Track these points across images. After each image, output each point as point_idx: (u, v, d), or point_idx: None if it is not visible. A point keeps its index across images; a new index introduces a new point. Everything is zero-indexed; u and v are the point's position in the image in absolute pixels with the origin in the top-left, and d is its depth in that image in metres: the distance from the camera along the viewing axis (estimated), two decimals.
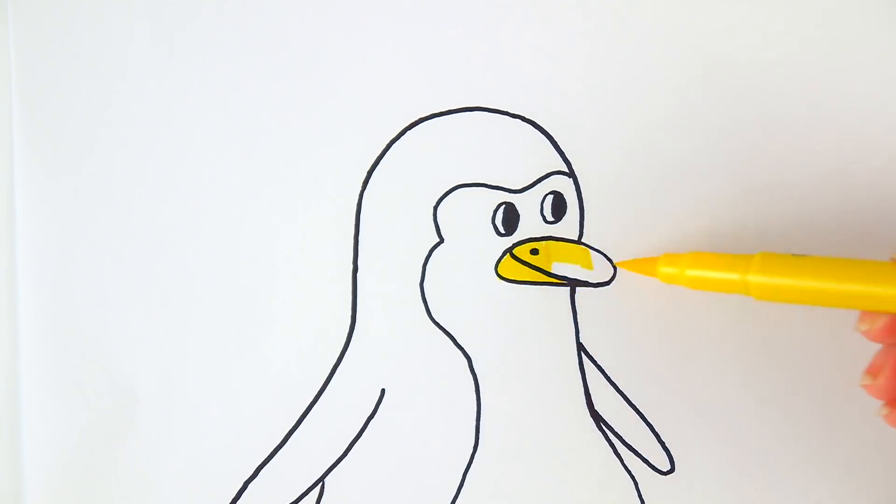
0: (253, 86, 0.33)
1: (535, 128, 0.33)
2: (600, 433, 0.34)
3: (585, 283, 0.33)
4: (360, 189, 0.33)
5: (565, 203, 0.33)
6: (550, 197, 0.33)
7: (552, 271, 0.33)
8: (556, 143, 0.33)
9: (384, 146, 0.33)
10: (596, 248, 0.33)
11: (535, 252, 0.33)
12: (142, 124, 0.33)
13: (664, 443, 0.34)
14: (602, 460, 0.34)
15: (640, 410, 0.34)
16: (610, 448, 0.34)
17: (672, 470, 0.34)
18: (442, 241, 0.33)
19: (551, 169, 0.33)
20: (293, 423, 0.33)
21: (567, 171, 0.33)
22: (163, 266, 0.33)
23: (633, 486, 0.34)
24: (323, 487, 0.33)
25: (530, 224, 0.33)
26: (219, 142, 0.33)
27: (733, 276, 0.30)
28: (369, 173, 0.33)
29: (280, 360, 0.33)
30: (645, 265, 0.33)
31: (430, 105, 0.33)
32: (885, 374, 0.29)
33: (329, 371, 0.33)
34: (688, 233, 0.34)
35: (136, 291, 0.33)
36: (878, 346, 0.30)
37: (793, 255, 0.29)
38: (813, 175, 0.33)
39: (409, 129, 0.33)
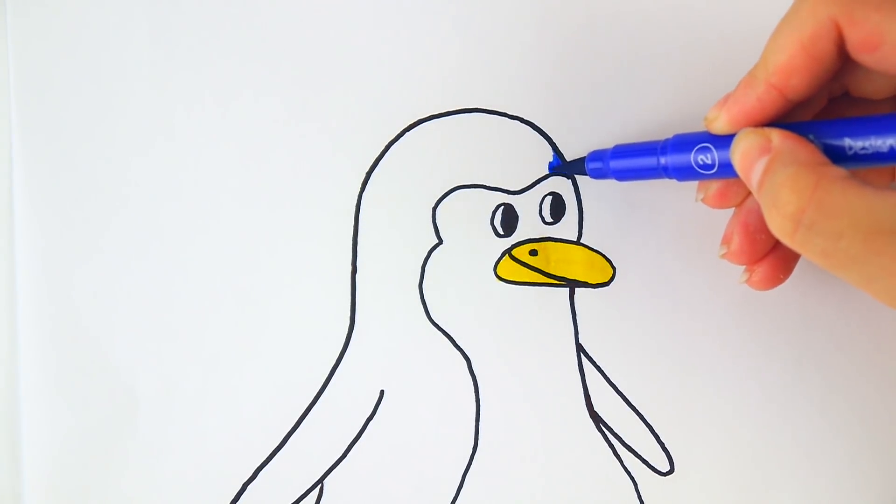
0: (252, 88, 0.33)
1: (534, 129, 0.33)
2: (600, 434, 0.34)
3: (584, 284, 0.33)
4: (358, 190, 0.33)
5: (564, 204, 0.33)
6: (549, 198, 0.33)
7: (551, 272, 0.33)
8: (554, 144, 0.33)
9: (383, 147, 0.33)
10: (595, 248, 0.33)
11: (534, 253, 0.33)
12: (141, 125, 0.33)
13: (663, 443, 0.34)
14: (601, 461, 0.34)
15: (640, 411, 0.34)
16: (609, 449, 0.34)
17: (671, 471, 0.34)
18: (441, 242, 0.33)
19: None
20: (292, 425, 0.33)
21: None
22: (162, 268, 0.33)
23: (633, 486, 0.34)
24: (322, 489, 0.33)
25: (529, 225, 0.33)
26: (218, 143, 0.33)
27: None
28: (368, 174, 0.33)
29: (279, 362, 0.33)
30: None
31: (428, 106, 0.33)
32: (736, 240, 0.30)
33: (328, 372, 0.33)
34: (688, 233, 0.34)
35: (135, 293, 0.33)
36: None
37: None
38: None
39: (408, 131, 0.33)
